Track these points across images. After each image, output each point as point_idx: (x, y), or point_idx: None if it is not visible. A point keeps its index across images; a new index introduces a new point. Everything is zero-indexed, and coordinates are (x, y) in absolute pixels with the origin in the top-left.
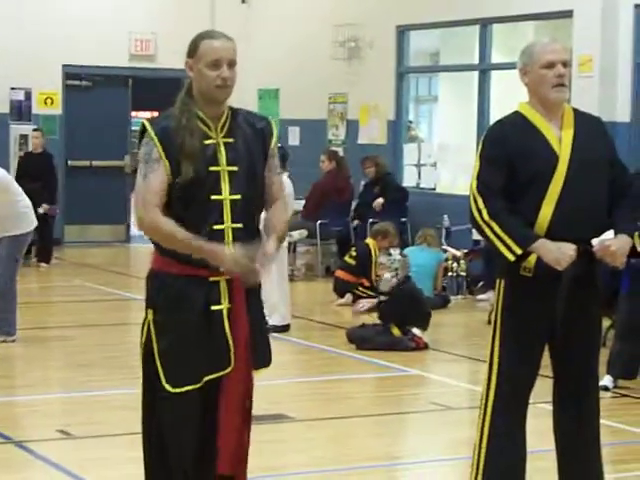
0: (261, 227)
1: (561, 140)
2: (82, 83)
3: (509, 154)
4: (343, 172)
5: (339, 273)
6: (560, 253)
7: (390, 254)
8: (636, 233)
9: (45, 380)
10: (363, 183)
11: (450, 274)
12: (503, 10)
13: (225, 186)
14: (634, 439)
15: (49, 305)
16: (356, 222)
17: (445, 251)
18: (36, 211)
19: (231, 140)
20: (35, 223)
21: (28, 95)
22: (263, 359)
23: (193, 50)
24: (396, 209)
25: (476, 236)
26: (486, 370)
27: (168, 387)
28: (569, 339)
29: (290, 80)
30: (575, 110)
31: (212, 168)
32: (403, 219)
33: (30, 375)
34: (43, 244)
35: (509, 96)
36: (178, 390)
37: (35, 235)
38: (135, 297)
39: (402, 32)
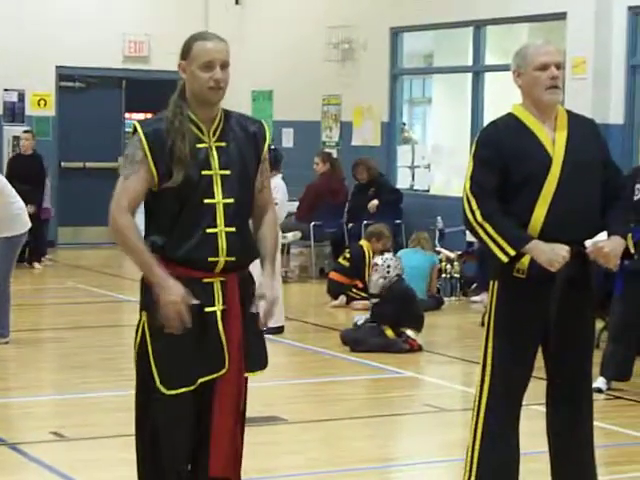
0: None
1: (554, 142)
2: (75, 84)
3: (502, 156)
4: (337, 174)
5: (333, 275)
6: (553, 254)
7: (384, 256)
8: (629, 235)
9: (38, 382)
10: (355, 184)
11: (444, 276)
12: (497, 12)
13: (218, 190)
14: (628, 441)
15: (42, 307)
16: (350, 224)
17: (439, 253)
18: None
19: (223, 144)
20: (29, 225)
21: (21, 96)
22: (259, 361)
23: (186, 52)
24: (390, 211)
25: (470, 238)
26: (479, 371)
27: (162, 389)
28: (562, 341)
29: (284, 82)
30: (569, 112)
31: (205, 172)
32: (397, 221)
33: (23, 377)
34: (36, 244)
35: (503, 98)
36: (172, 392)
37: (29, 237)
38: (129, 299)
39: (396, 34)
